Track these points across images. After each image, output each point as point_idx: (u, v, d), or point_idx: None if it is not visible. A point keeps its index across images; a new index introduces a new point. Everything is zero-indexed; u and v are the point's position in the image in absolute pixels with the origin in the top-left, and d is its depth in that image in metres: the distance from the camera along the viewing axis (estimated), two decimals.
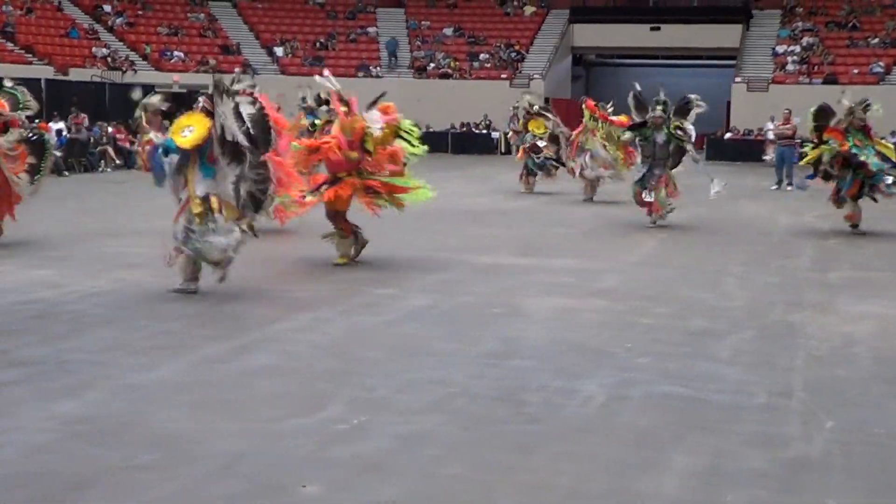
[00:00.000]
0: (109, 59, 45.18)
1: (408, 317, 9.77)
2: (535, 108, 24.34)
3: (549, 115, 24.07)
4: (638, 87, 17.78)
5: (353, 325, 9.37)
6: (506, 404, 6.94)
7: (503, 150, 25.40)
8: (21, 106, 14.37)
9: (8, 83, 14.85)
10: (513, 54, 49.12)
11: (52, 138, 14.15)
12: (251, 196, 10.50)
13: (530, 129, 23.88)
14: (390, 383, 7.38)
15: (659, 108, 16.79)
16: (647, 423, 6.57)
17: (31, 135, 14.27)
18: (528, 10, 52.25)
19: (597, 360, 8.17)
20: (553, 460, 5.89)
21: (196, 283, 10.64)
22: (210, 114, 10.36)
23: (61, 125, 29.02)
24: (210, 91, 10.38)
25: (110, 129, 31.31)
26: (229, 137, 10.23)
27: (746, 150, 40.10)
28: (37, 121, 13.26)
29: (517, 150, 24.53)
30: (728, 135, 42.79)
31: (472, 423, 6.54)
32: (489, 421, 6.58)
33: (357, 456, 5.85)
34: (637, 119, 17.44)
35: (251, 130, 10.24)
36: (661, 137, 16.74)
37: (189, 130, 10.29)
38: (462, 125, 44.59)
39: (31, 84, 15.41)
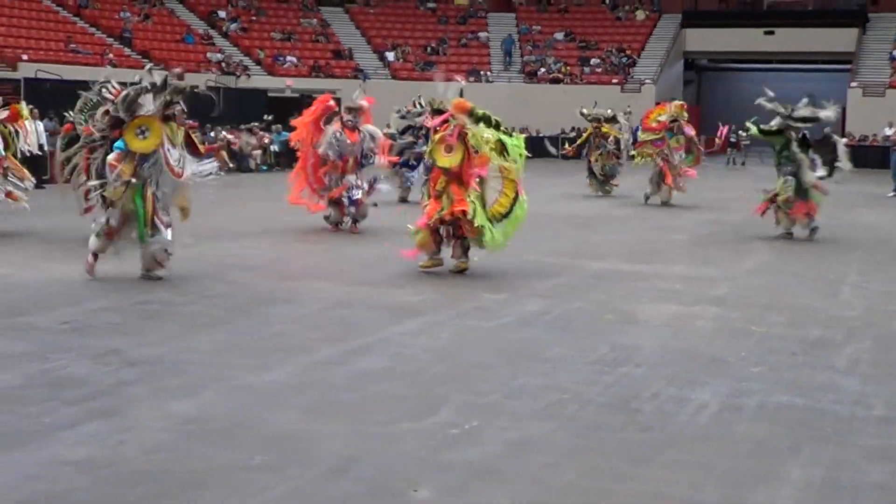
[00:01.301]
0: (223, 64, 45.86)
1: (519, 322, 9.74)
2: (610, 112, 24.85)
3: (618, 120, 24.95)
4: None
5: (464, 330, 9.37)
6: (618, 412, 6.88)
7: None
8: None
9: None
10: (624, 59, 48.86)
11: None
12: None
13: (605, 131, 24.39)
14: (502, 388, 7.37)
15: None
16: (762, 434, 6.47)
17: None
18: (640, 14, 51.97)
19: (710, 368, 8.07)
20: (666, 469, 5.82)
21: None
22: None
23: None
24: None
25: (223, 133, 31.72)
26: None
27: (862, 157, 39.31)
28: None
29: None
30: (844, 140, 41.98)
31: (584, 430, 6.50)
32: (601, 428, 6.53)
33: (469, 461, 5.85)
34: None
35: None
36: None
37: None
38: (573, 130, 44.37)
39: None
